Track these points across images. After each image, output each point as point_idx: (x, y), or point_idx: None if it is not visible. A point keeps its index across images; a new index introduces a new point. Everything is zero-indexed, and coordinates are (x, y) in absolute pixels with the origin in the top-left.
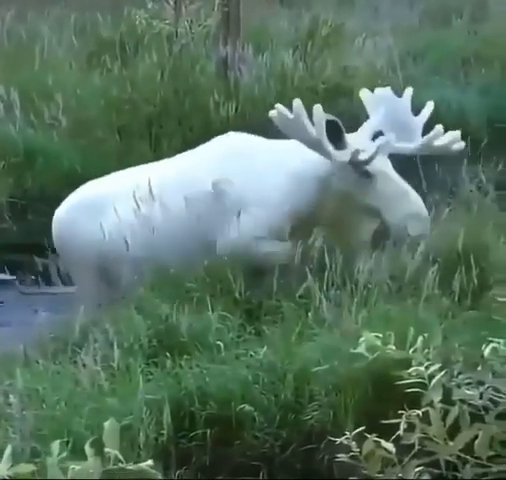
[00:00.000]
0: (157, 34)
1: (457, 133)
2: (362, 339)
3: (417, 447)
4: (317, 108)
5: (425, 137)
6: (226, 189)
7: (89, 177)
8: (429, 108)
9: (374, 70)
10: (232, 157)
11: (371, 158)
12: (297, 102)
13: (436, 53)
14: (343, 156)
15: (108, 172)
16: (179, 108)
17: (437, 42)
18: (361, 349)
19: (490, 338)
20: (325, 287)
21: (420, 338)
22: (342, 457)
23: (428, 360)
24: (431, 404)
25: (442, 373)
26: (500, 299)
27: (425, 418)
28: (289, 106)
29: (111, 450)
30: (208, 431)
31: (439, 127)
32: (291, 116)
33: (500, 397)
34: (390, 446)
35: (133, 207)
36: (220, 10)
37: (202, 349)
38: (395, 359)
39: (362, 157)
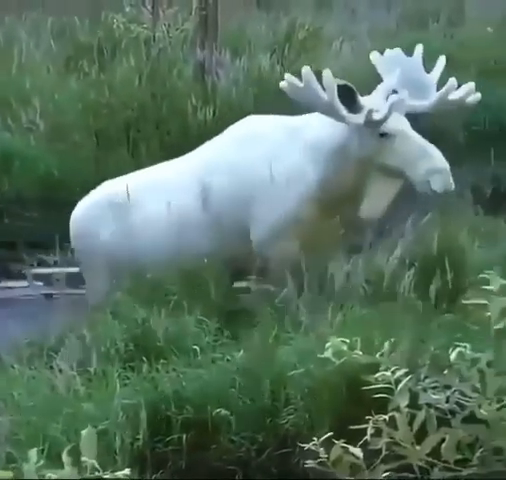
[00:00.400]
0: (135, 38)
1: (471, 85)
2: (329, 344)
3: (385, 452)
4: (327, 72)
5: (439, 92)
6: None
7: (66, 181)
8: (441, 64)
9: (351, 74)
10: (249, 141)
11: (386, 117)
12: (306, 68)
13: None
14: (357, 118)
15: (85, 176)
16: (157, 112)
17: (414, 45)
18: (328, 354)
19: (456, 342)
20: (302, 291)
21: (388, 342)
22: (310, 463)
23: (395, 364)
24: (398, 409)
25: (408, 378)
26: (465, 301)
27: (392, 423)
28: (266, 110)
29: (88, 459)
30: (184, 435)
31: (452, 80)
32: (301, 84)
33: (466, 401)
34: (357, 451)
35: (151, 208)
36: (197, 14)
37: (179, 353)
38: (366, 364)
39: (377, 117)
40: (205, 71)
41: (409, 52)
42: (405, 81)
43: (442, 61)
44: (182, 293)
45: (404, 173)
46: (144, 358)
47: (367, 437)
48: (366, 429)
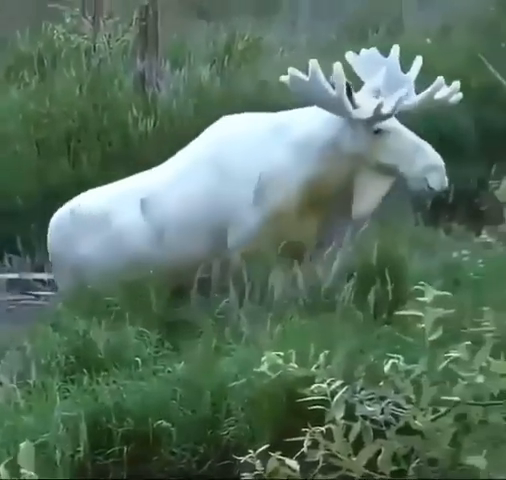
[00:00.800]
0: (75, 49)
1: (456, 84)
2: (264, 358)
3: (322, 464)
4: (338, 67)
5: (426, 91)
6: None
7: (7, 191)
8: (418, 63)
9: None
10: (229, 141)
11: (394, 110)
12: (313, 62)
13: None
14: (363, 113)
15: (26, 186)
16: (97, 123)
17: None
18: (264, 368)
19: (393, 354)
20: (243, 302)
21: (323, 354)
22: (247, 476)
23: (331, 376)
24: (334, 421)
25: (344, 389)
26: (400, 313)
27: (329, 435)
28: (207, 121)
29: (27, 471)
30: (125, 447)
31: (440, 79)
32: (307, 78)
33: (401, 412)
34: (294, 463)
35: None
36: (138, 25)
37: (119, 365)
38: (302, 376)
39: (385, 110)
40: (145, 82)
41: (385, 52)
42: (384, 81)
43: (419, 61)
44: (123, 304)
45: (398, 170)
46: (85, 370)
47: (304, 449)
48: (304, 441)
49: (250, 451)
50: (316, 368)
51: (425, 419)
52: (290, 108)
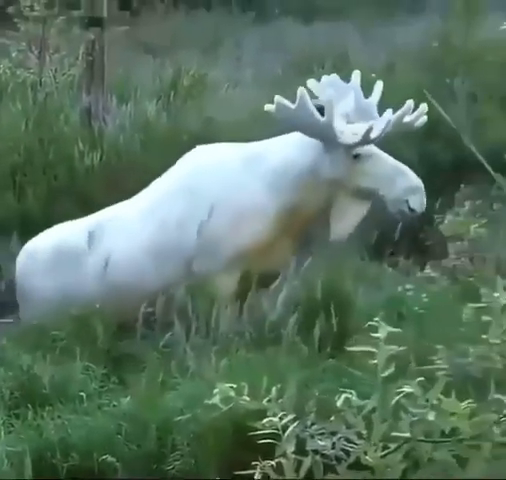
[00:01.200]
0: (21, 83)
1: (424, 107)
2: (216, 390)
3: None
4: (329, 93)
5: (396, 114)
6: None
7: None
8: (379, 88)
9: (236, 120)
10: (204, 170)
11: (381, 134)
12: (301, 90)
13: None
14: (350, 138)
15: None
16: (43, 157)
17: None
18: (215, 400)
19: (343, 388)
20: (189, 335)
21: (275, 387)
22: None
23: (283, 410)
24: (285, 455)
25: (295, 424)
26: (352, 349)
27: (280, 469)
28: (154, 156)
29: None
30: None
31: (410, 102)
32: (293, 106)
33: (352, 447)
34: None
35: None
36: (84, 59)
37: (65, 400)
38: (254, 409)
39: (374, 135)
40: (92, 116)
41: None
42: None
43: (380, 86)
44: (69, 339)
45: (378, 193)
46: (29, 405)
47: None
48: (254, 475)
49: None
50: (268, 401)
51: (376, 455)
52: (235, 142)
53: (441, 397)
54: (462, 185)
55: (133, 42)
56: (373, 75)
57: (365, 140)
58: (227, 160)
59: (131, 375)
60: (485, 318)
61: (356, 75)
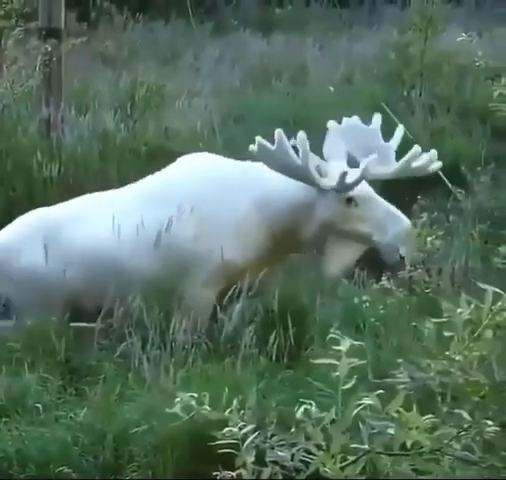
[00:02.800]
0: None
1: (434, 153)
2: (177, 399)
3: None
4: (301, 135)
5: (402, 160)
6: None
7: None
8: (400, 132)
9: (194, 132)
10: (202, 179)
11: (358, 180)
12: (279, 132)
13: (256, 115)
14: (329, 182)
15: None
16: (1, 168)
17: (257, 104)
18: (176, 409)
19: (302, 399)
20: (145, 346)
21: (236, 398)
22: None
23: (243, 421)
24: (244, 465)
25: (255, 434)
26: (314, 361)
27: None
28: (112, 167)
29: None
30: None
31: (416, 147)
32: (273, 147)
33: (311, 458)
34: None
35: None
36: (42, 70)
37: (21, 411)
38: (213, 420)
39: (349, 180)
40: (50, 127)
41: (367, 121)
42: (364, 149)
43: (400, 130)
44: (25, 350)
45: (371, 238)
46: None
47: None
48: None
49: None
50: (229, 412)
51: (335, 466)
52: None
53: (401, 410)
54: (419, 197)
55: (91, 53)
56: (331, 88)
57: (341, 186)
58: (224, 175)
59: (88, 386)
60: (447, 333)
61: (377, 118)
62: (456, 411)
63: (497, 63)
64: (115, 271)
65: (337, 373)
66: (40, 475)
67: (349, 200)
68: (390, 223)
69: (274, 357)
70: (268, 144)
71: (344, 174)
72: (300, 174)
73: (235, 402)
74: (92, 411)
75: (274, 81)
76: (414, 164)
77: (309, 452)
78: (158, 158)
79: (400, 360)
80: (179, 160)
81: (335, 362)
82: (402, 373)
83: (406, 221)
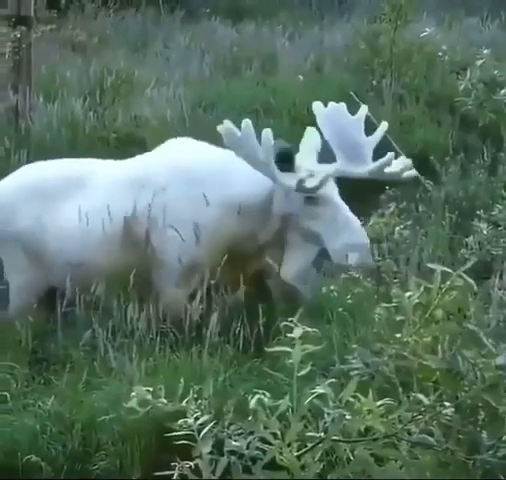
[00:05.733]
0: None
1: (408, 161)
2: (133, 394)
3: None
4: (266, 132)
5: (376, 163)
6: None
7: None
8: (383, 128)
9: (164, 120)
10: (172, 168)
11: (316, 187)
12: (246, 122)
13: (226, 104)
14: (289, 181)
15: None
16: None
17: (227, 93)
18: (133, 403)
19: (264, 390)
20: (111, 335)
21: (192, 389)
22: None
23: (201, 411)
24: (201, 455)
25: (211, 424)
26: (269, 349)
27: (198, 469)
28: (80, 154)
29: None
30: None
31: (391, 154)
32: (239, 134)
33: (268, 447)
34: None
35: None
36: (11, 58)
37: None
38: (173, 411)
39: (309, 184)
40: (19, 115)
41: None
42: (343, 139)
43: (384, 126)
44: None
45: (322, 240)
46: None
47: None
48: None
49: None
50: (186, 402)
51: (291, 455)
52: (160, 142)
53: (358, 396)
54: (387, 187)
55: (61, 41)
56: (300, 77)
57: (299, 188)
58: (198, 167)
59: (56, 375)
60: (399, 317)
61: (363, 110)
62: (411, 395)
63: (465, 54)
64: (83, 258)
65: (291, 360)
66: (8, 463)
67: (309, 198)
68: (342, 230)
69: (241, 347)
70: (235, 130)
71: (302, 181)
72: (262, 168)
73: (192, 392)
74: (60, 400)
75: (244, 69)
76: (387, 169)
77: (265, 441)
78: (127, 146)
79: (354, 346)
80: (163, 144)
81: (288, 349)
82: (356, 359)
83: (361, 232)
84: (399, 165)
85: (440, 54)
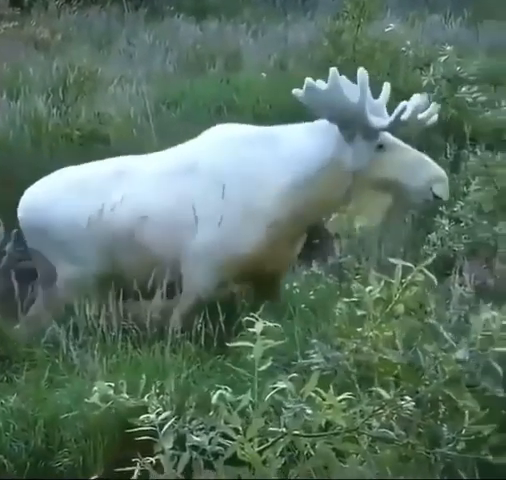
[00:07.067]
0: None
1: (435, 105)
2: (95, 389)
3: None
4: (362, 70)
5: (412, 105)
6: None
7: None
8: (387, 88)
9: (128, 117)
10: (225, 148)
11: (413, 115)
12: (333, 70)
13: (190, 101)
14: (383, 121)
15: None
16: None
17: (191, 90)
18: (95, 399)
19: (226, 385)
20: (72, 333)
21: (154, 384)
22: None
23: (163, 406)
24: (162, 451)
25: (172, 420)
26: (230, 344)
27: (160, 465)
28: (45, 152)
29: None
30: None
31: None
32: (324, 87)
33: (229, 443)
34: None
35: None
36: None
37: None
38: (136, 407)
39: (404, 116)
40: None
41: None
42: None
43: (387, 86)
44: None
45: (401, 184)
46: None
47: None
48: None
49: None
50: (148, 398)
51: (252, 450)
52: (123, 139)
53: (319, 391)
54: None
55: (24, 38)
56: (263, 74)
57: (396, 122)
58: (250, 146)
59: (18, 373)
60: (359, 312)
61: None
62: (372, 389)
63: (428, 50)
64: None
65: (252, 356)
66: None
67: (379, 147)
68: (421, 168)
69: (203, 343)
70: (320, 82)
71: (403, 109)
72: (352, 115)
73: (154, 388)
74: (22, 397)
75: (207, 67)
76: (420, 116)
77: (227, 436)
78: (91, 143)
79: (314, 340)
80: (205, 132)
81: (249, 344)
82: (316, 354)
83: (437, 166)
84: (426, 111)
85: (404, 49)
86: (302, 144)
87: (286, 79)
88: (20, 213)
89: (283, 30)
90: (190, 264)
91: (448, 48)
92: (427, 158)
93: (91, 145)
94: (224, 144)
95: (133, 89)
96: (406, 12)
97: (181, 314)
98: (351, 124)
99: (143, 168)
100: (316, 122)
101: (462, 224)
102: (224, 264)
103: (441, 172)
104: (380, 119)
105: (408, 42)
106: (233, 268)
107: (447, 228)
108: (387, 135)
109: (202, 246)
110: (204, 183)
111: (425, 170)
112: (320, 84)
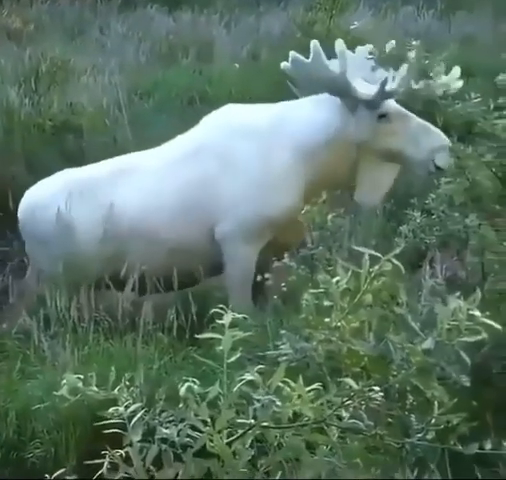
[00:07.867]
0: None
1: (457, 69)
2: (63, 381)
3: None
4: (339, 42)
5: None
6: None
7: None
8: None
9: (100, 107)
10: (229, 128)
11: (398, 87)
12: (315, 43)
13: (162, 92)
14: (369, 90)
15: None
16: None
17: (164, 81)
18: (63, 391)
19: (194, 378)
20: (43, 324)
21: (124, 376)
22: None
23: (133, 398)
24: (131, 444)
25: (141, 412)
26: (198, 336)
27: (129, 458)
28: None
29: None
30: None
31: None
32: (307, 60)
33: (198, 435)
34: None
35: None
36: None
37: None
38: (106, 399)
39: (389, 87)
40: None
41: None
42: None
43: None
44: None
45: (404, 154)
46: None
47: (103, 472)
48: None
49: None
50: (117, 390)
51: (221, 442)
52: (96, 129)
53: (288, 381)
54: None
55: None
56: (236, 65)
57: (380, 93)
58: (255, 122)
59: None
60: (327, 303)
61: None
62: (340, 380)
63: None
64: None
65: (221, 347)
66: None
67: (382, 116)
68: (424, 136)
69: (175, 334)
70: (302, 57)
71: (384, 81)
72: (337, 86)
73: (124, 380)
74: None
75: (180, 57)
76: (415, 86)
77: (195, 428)
78: (64, 133)
79: (283, 331)
80: (209, 115)
81: (218, 336)
82: (284, 345)
83: (440, 134)
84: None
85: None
86: (308, 118)
87: (259, 70)
88: (20, 214)
89: (256, 21)
90: (228, 242)
91: (414, 43)
92: (431, 126)
93: (63, 135)
94: (227, 123)
95: (106, 79)
96: (379, 4)
97: (235, 296)
98: (342, 96)
99: (144, 163)
100: (320, 95)
101: (433, 216)
102: (260, 232)
103: (444, 141)
104: (367, 89)
105: (378, 36)
106: (266, 234)
107: (418, 220)
108: (391, 104)
109: (235, 221)
110: (214, 162)
111: (428, 140)
112: (303, 58)
